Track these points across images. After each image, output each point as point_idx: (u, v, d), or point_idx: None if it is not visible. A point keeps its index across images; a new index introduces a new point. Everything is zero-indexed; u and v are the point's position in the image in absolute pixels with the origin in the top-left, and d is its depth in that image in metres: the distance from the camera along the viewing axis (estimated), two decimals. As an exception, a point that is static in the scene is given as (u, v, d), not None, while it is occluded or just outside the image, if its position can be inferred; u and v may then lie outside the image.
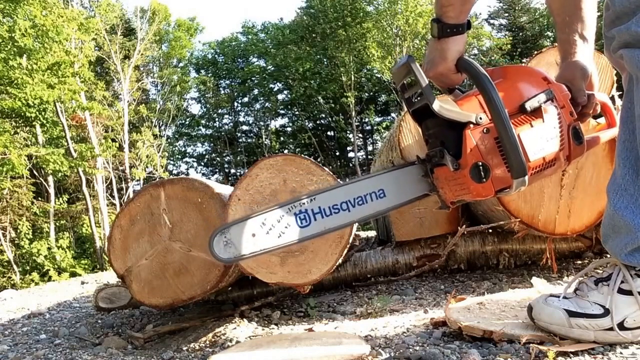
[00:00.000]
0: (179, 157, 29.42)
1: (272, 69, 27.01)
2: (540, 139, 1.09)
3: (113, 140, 18.15)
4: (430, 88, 1.09)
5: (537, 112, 1.10)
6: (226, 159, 29.32)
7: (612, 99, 2.11)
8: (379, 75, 23.99)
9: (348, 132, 25.95)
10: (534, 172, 1.09)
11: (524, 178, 1.04)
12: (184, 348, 1.60)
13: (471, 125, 1.06)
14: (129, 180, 20.21)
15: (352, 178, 1.25)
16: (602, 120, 1.35)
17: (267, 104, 28.22)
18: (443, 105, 1.07)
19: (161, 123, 24.91)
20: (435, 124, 1.13)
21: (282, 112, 29.14)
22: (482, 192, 1.07)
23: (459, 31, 1.14)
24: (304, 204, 1.17)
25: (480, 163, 1.05)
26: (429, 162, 1.17)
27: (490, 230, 2.27)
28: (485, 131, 1.06)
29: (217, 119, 29.22)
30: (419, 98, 1.13)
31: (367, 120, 27.23)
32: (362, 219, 1.21)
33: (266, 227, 1.16)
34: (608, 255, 1.19)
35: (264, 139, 27.52)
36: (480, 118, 1.06)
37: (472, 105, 1.08)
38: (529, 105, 1.09)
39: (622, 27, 1.01)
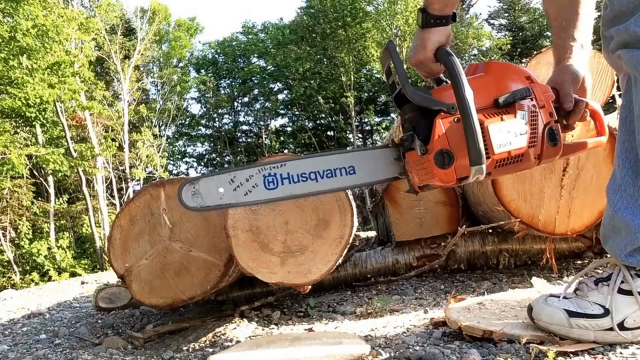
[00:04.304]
0: (179, 157, 29.43)
1: (272, 69, 27.02)
2: (508, 133, 1.10)
3: (113, 140, 18.15)
4: (405, 73, 1.11)
5: (510, 108, 1.12)
6: (226, 159, 29.30)
7: (613, 98, 2.12)
8: (378, 76, 24.00)
9: (348, 132, 25.96)
10: (498, 165, 1.11)
11: (481, 166, 1.05)
12: (184, 348, 1.60)
13: (443, 114, 1.09)
14: (129, 180, 20.22)
15: (325, 151, 1.26)
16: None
17: (267, 104, 28.24)
18: (417, 91, 1.10)
19: (161, 123, 24.91)
20: (410, 110, 1.16)
21: (282, 112, 29.17)
22: (444, 178, 1.09)
23: (442, 23, 1.16)
24: (274, 167, 1.19)
25: (445, 150, 1.07)
26: (402, 146, 1.19)
27: (490, 231, 2.28)
28: (455, 120, 1.08)
29: (217, 119, 29.24)
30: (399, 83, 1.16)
31: (366, 120, 27.24)
32: (328, 191, 1.24)
33: (234, 184, 1.18)
34: (608, 255, 1.19)
35: (264, 139, 27.53)
36: (453, 108, 1.08)
37: (447, 95, 1.10)
38: (503, 100, 1.11)
39: (620, 26, 1.01)
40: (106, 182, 18.95)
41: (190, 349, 1.57)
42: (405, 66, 1.13)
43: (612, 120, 2.07)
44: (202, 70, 28.56)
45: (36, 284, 12.42)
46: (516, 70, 1.19)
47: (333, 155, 1.22)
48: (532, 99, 1.14)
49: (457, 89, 1.06)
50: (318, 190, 1.21)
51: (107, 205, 18.08)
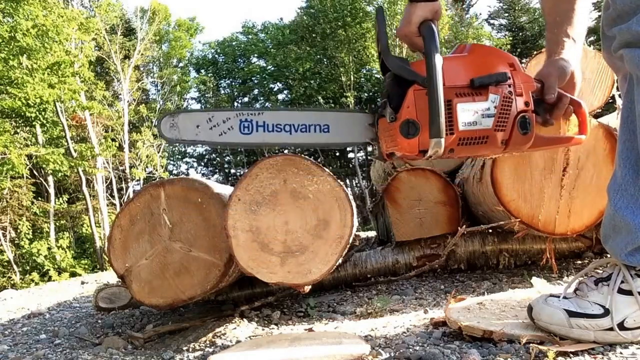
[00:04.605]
0: (179, 157, 29.43)
1: (272, 69, 27.03)
2: (476, 113, 1.12)
3: (113, 140, 18.15)
4: (387, 42, 1.14)
5: (484, 90, 1.13)
6: (226, 159, 29.32)
7: (613, 98, 2.11)
8: (378, 76, 23.98)
9: (348, 132, 25.93)
10: (462, 142, 1.13)
11: (440, 140, 1.07)
12: (184, 348, 1.59)
13: (417, 85, 1.10)
14: (129, 180, 20.22)
15: (304, 107, 1.29)
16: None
17: (267, 104, 28.23)
18: (396, 60, 1.13)
19: (161, 123, 24.88)
20: (389, 78, 1.18)
21: (282, 112, 29.16)
22: (406, 147, 1.11)
23: None
24: (251, 114, 1.22)
25: (412, 120, 1.09)
26: (376, 112, 1.21)
27: (490, 231, 2.27)
28: (427, 94, 1.10)
29: (217, 119, 29.21)
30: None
31: (367, 120, 27.23)
32: (299, 145, 1.27)
33: (211, 123, 1.22)
34: (608, 255, 1.19)
35: (264, 139, 27.50)
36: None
37: (425, 69, 1.11)
38: (477, 82, 1.13)
39: (623, 26, 1.02)
40: (106, 182, 18.95)
41: (190, 349, 1.57)
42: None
43: (612, 120, 2.07)
44: (202, 70, 28.56)
45: (36, 284, 12.42)
46: (501, 55, 1.20)
47: (310, 111, 1.25)
48: (509, 86, 1.15)
49: (427, 59, 1.08)
50: (290, 142, 1.25)
51: (107, 205, 18.08)
